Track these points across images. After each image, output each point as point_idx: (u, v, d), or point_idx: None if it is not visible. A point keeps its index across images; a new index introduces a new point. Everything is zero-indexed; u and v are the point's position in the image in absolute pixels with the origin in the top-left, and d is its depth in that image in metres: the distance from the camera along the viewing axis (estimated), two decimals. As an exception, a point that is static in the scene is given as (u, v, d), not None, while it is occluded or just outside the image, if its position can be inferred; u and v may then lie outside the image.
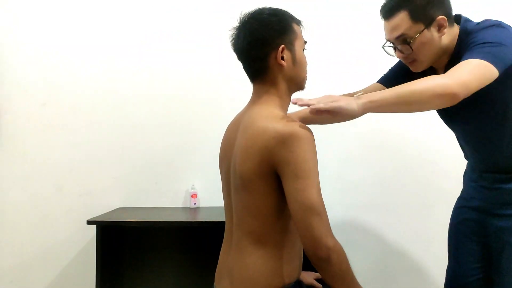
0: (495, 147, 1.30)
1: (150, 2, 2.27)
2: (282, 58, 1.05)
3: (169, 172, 2.26)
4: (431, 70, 1.31)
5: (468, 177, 1.48)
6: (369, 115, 1.12)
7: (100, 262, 1.82)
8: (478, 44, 1.12)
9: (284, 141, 0.94)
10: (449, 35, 1.22)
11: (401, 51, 1.24)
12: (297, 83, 1.12)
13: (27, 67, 2.24)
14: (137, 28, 2.27)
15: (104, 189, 2.23)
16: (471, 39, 1.16)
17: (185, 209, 2.20)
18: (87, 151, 2.23)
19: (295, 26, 1.10)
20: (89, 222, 1.82)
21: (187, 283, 2.15)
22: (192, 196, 2.20)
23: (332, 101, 1.00)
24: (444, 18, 1.19)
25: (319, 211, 0.92)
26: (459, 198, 1.53)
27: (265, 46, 1.05)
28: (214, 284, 1.12)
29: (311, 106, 0.98)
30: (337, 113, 1.01)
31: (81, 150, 2.23)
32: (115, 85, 2.25)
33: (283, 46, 1.05)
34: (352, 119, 1.05)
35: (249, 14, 1.08)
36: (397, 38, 1.22)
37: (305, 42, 1.13)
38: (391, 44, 1.27)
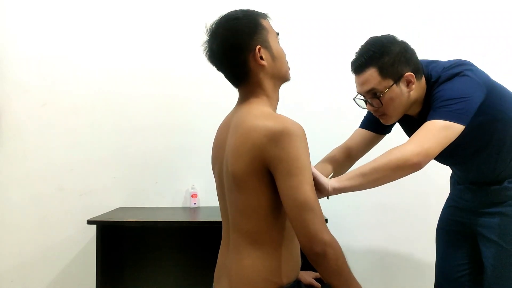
0: (480, 171, 1.38)
1: (150, 3, 2.27)
2: (261, 58, 1.04)
3: (169, 172, 2.26)
4: (406, 116, 1.36)
5: (455, 180, 1.55)
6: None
7: (100, 262, 1.82)
8: (443, 101, 1.18)
9: (275, 138, 0.94)
10: (418, 89, 1.27)
11: (371, 104, 1.28)
12: (282, 77, 1.11)
13: (27, 67, 2.24)
14: (137, 28, 2.27)
15: (104, 189, 2.23)
16: (436, 91, 1.23)
17: (185, 209, 2.20)
18: (87, 151, 2.23)
19: (264, 22, 1.08)
20: (89, 222, 1.82)
21: (187, 283, 2.15)
22: (192, 196, 2.20)
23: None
24: (412, 75, 1.23)
25: (313, 207, 0.92)
26: (447, 200, 1.59)
27: (241, 53, 1.04)
28: (213, 284, 1.13)
29: None
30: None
31: (81, 150, 2.23)
32: (115, 85, 2.26)
33: (259, 46, 1.04)
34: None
35: (216, 24, 1.07)
36: (367, 92, 1.26)
37: (278, 34, 1.12)
38: (362, 97, 1.31)
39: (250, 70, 1.06)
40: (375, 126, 1.47)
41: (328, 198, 1.14)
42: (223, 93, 2.18)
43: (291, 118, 0.98)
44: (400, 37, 1.29)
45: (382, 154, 1.14)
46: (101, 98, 2.25)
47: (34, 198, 2.21)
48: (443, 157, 1.38)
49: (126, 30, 2.27)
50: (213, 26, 1.07)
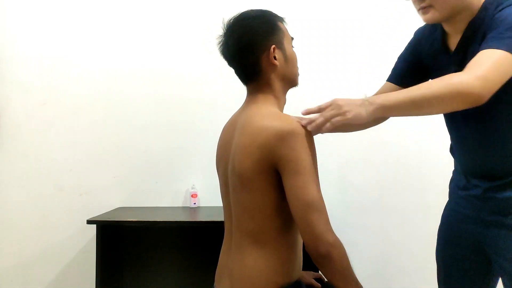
0: (496, 149, 1.15)
1: (150, 3, 2.27)
2: (275, 58, 1.06)
3: (169, 172, 2.26)
4: (444, 34, 1.15)
5: (455, 185, 1.32)
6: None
7: (100, 261, 1.82)
8: (507, 28, 0.96)
9: (284, 139, 0.94)
10: None
11: None
12: (291, 80, 1.13)
13: (27, 67, 2.24)
14: (137, 28, 2.27)
15: (104, 189, 2.23)
16: (498, 16, 1.01)
17: (185, 209, 2.20)
18: (87, 151, 2.23)
19: (280, 24, 1.10)
20: (89, 222, 1.82)
21: (187, 283, 2.15)
22: (192, 196, 2.20)
23: (339, 115, 0.97)
24: None
25: (319, 207, 0.92)
26: (447, 210, 1.35)
27: (255, 50, 1.05)
28: (214, 284, 1.13)
29: (321, 131, 0.97)
30: (347, 128, 1.00)
31: (81, 150, 2.23)
32: (115, 85, 2.26)
33: (274, 46, 1.06)
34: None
35: (233, 20, 1.08)
36: None
37: (292, 38, 1.13)
38: None
39: (261, 69, 1.07)
40: (408, 80, 1.22)
41: (367, 114, 0.97)
42: (223, 93, 2.20)
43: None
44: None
45: (436, 80, 0.96)
46: (101, 98, 2.25)
47: (34, 198, 2.21)
48: (461, 131, 1.22)
49: (126, 30, 2.27)
50: (231, 21, 1.08)
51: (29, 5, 2.25)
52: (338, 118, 0.97)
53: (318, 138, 1.03)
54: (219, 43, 1.10)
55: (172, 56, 2.27)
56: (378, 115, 0.99)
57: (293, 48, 1.13)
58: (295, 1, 2.23)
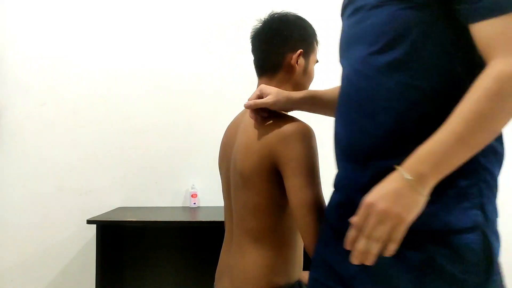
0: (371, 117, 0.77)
1: (150, 3, 2.27)
2: (297, 62, 1.08)
3: (169, 172, 2.26)
4: None
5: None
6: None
7: (100, 261, 1.82)
8: None
9: (286, 139, 0.95)
10: None
11: None
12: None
13: (27, 67, 2.24)
14: (137, 28, 2.27)
15: (104, 189, 2.23)
16: None
17: (185, 209, 2.20)
18: (87, 150, 2.23)
19: (315, 43, 1.14)
20: (89, 222, 1.82)
21: (187, 283, 2.15)
22: (192, 196, 2.20)
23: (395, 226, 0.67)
24: None
25: (319, 207, 0.92)
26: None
27: (285, 45, 1.08)
28: (215, 282, 1.13)
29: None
30: None
31: (81, 150, 2.23)
32: (115, 85, 2.26)
33: (301, 50, 1.08)
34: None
35: (277, 13, 1.11)
36: None
37: (317, 61, 1.16)
38: None
39: (280, 65, 1.08)
40: None
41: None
42: (223, 93, 2.20)
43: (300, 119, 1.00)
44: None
45: (475, 88, 0.65)
46: (101, 98, 2.25)
47: (34, 198, 2.21)
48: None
49: (126, 30, 2.27)
50: (275, 13, 1.11)
51: (29, 5, 2.25)
52: (396, 233, 0.65)
53: (317, 138, 1.03)
54: (255, 26, 1.12)
55: (172, 56, 2.27)
56: (424, 183, 0.66)
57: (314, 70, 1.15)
58: (295, 1, 2.23)
